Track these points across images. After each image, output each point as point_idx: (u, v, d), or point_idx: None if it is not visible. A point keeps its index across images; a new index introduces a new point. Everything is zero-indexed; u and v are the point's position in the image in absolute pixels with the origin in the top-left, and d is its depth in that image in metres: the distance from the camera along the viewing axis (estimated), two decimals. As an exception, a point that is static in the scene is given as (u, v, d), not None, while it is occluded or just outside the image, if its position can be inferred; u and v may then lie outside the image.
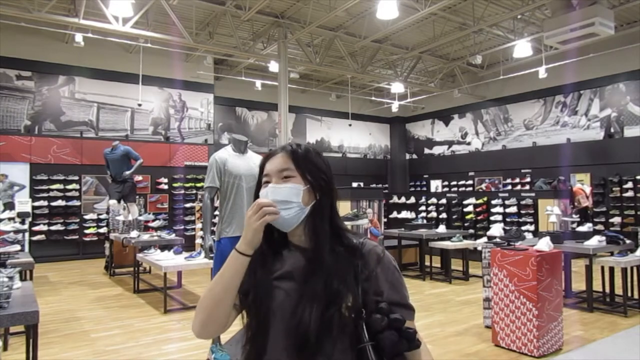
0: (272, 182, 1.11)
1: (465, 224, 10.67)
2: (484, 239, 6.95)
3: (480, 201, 10.59)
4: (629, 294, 5.56)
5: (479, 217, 10.53)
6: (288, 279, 1.07)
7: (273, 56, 10.92)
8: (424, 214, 11.41)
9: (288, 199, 1.08)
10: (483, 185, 14.27)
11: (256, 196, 1.14)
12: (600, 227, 10.89)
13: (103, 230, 10.49)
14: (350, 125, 15.86)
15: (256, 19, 10.13)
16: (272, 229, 1.10)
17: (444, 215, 11.24)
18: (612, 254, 5.60)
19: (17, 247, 5.10)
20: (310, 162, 1.14)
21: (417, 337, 1.00)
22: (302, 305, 1.01)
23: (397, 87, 13.81)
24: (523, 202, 9.82)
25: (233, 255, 1.05)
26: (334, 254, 1.07)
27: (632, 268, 5.55)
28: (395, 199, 12.18)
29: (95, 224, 10.81)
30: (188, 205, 11.92)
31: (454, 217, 10.89)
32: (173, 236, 7.50)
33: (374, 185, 15.62)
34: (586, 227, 7.14)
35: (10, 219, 7.46)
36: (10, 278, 2.70)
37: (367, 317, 1.00)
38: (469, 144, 15.60)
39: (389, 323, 0.98)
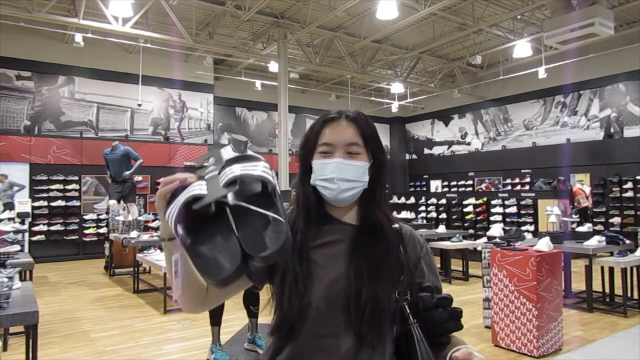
0: (337, 157, 1.03)
1: (465, 224, 10.67)
2: (484, 239, 6.96)
3: (480, 201, 10.59)
4: (629, 294, 5.55)
5: (478, 217, 10.53)
6: (329, 248, 1.02)
7: (273, 56, 10.92)
8: (423, 214, 11.42)
9: (358, 178, 1.02)
10: (483, 186, 14.27)
11: (307, 165, 1.07)
12: (600, 227, 10.88)
13: (103, 230, 10.48)
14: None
15: (256, 19, 10.13)
16: (313, 202, 1.05)
17: (443, 216, 11.24)
18: (611, 254, 5.60)
19: (17, 248, 5.10)
20: (376, 138, 1.09)
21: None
22: (351, 279, 0.97)
23: (397, 87, 13.81)
24: (523, 202, 9.83)
25: (165, 243, 0.96)
26: (384, 233, 1.04)
27: (631, 268, 5.54)
28: (395, 199, 12.18)
29: (95, 224, 10.80)
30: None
31: (454, 217, 10.90)
32: (173, 236, 7.48)
33: (373, 186, 15.60)
34: (586, 228, 7.15)
35: (10, 219, 7.47)
36: (10, 278, 2.70)
37: (412, 297, 0.99)
38: (468, 144, 15.60)
39: (438, 301, 0.97)
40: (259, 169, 0.92)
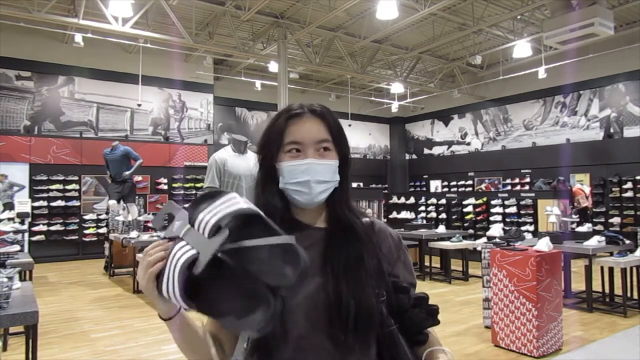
0: (310, 156, 0.95)
1: (465, 224, 10.67)
2: (484, 239, 6.96)
3: (479, 201, 10.59)
4: (629, 294, 5.55)
5: (478, 218, 10.53)
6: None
7: (273, 56, 10.92)
8: (423, 214, 11.41)
9: (330, 178, 0.95)
10: (483, 186, 14.27)
11: (272, 169, 0.98)
12: (599, 227, 10.89)
13: (103, 230, 10.48)
14: (350, 125, 15.83)
15: (256, 19, 10.13)
16: (279, 209, 0.96)
17: (443, 216, 11.24)
18: (611, 254, 5.60)
19: (17, 248, 5.10)
20: (343, 133, 1.01)
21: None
22: (329, 289, 0.92)
23: (396, 88, 13.81)
24: (523, 203, 9.82)
25: (165, 323, 0.93)
26: (356, 233, 0.98)
27: (631, 268, 5.54)
28: (395, 199, 12.18)
29: (94, 224, 10.80)
30: (187, 205, 11.88)
31: (454, 217, 10.89)
32: (173, 236, 7.48)
33: (373, 186, 15.61)
34: (586, 228, 7.15)
35: (9, 219, 7.46)
36: (10, 278, 2.70)
37: (388, 298, 0.96)
38: (468, 144, 15.60)
39: (414, 301, 0.96)
40: (238, 203, 0.81)
